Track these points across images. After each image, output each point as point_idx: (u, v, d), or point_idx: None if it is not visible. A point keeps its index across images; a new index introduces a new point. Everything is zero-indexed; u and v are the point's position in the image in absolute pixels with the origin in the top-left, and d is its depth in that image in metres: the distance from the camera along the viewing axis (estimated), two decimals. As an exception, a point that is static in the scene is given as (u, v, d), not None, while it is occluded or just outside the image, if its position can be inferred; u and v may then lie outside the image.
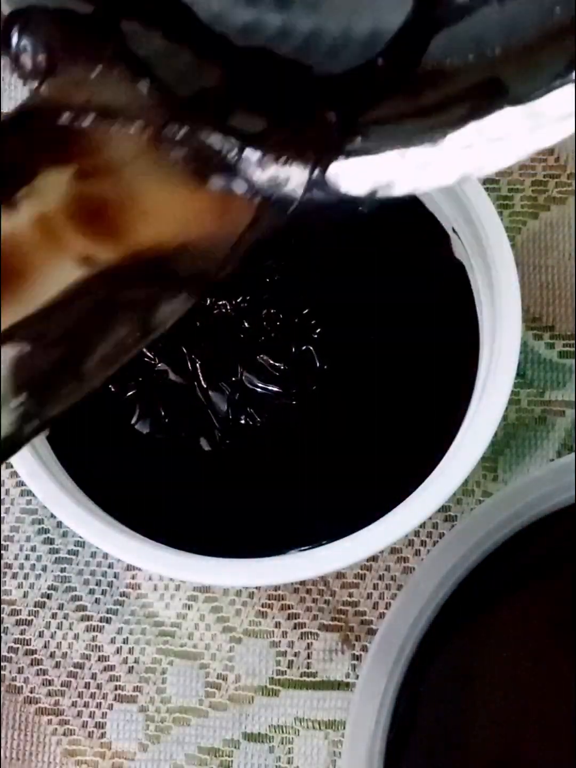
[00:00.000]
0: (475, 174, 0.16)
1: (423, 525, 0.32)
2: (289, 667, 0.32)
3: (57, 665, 0.33)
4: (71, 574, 0.33)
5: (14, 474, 0.33)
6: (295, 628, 0.32)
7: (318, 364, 0.29)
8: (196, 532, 0.28)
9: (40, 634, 0.33)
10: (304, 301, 0.29)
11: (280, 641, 0.32)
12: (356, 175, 0.17)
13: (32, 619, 0.33)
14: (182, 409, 0.29)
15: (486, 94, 0.16)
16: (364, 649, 0.32)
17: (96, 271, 0.17)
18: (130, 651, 0.33)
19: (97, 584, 0.33)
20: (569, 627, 0.28)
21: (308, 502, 0.29)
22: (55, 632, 0.33)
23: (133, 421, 0.29)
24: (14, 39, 0.17)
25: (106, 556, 0.33)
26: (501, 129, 0.16)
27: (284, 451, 0.29)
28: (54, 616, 0.33)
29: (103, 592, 0.33)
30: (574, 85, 0.15)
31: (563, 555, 0.29)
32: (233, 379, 0.29)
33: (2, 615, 0.33)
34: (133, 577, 0.33)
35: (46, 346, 0.16)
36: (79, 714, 0.32)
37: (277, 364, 0.29)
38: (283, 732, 0.32)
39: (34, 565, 0.33)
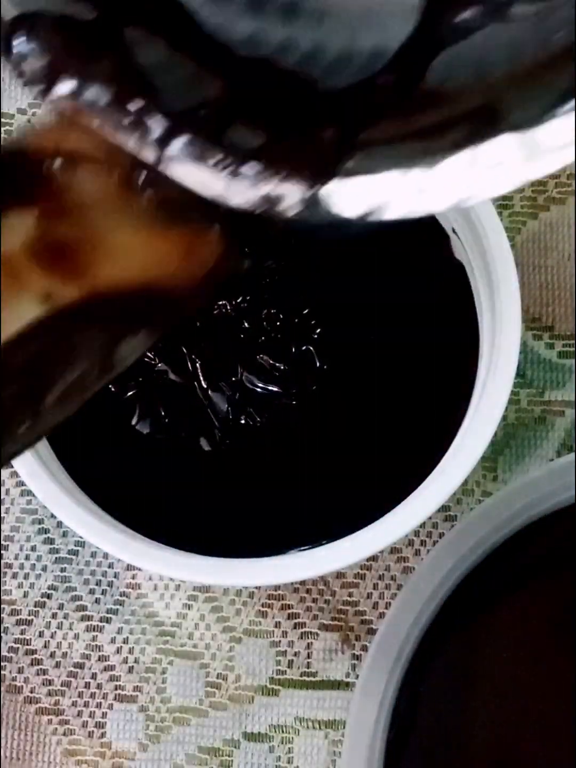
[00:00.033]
0: (468, 201, 0.16)
1: (423, 525, 0.32)
2: (289, 667, 0.32)
3: (57, 665, 0.33)
4: (71, 574, 0.33)
5: (14, 474, 0.33)
6: (295, 627, 0.32)
7: (318, 364, 0.29)
8: (196, 532, 0.28)
9: (40, 634, 0.33)
10: (304, 301, 0.29)
11: (280, 641, 0.32)
12: (349, 197, 0.16)
13: (32, 619, 0.33)
14: (182, 409, 0.29)
15: (484, 119, 0.16)
16: (364, 649, 0.32)
17: (56, 308, 0.17)
18: (130, 651, 0.33)
19: (97, 584, 0.33)
20: (569, 627, 0.28)
21: (308, 502, 0.29)
22: (55, 632, 0.33)
23: (133, 421, 0.29)
24: (15, 44, 0.17)
25: (106, 556, 0.33)
26: (496, 156, 0.15)
27: (284, 451, 0.29)
28: (54, 616, 0.33)
29: (103, 592, 0.33)
30: (574, 113, 0.15)
31: (563, 555, 0.29)
32: (233, 379, 0.29)
33: (2, 615, 0.33)
34: (133, 577, 0.33)
35: (3, 381, 0.17)
36: (79, 714, 0.32)
37: (277, 364, 0.29)
38: (283, 732, 0.32)
39: (34, 565, 0.33)
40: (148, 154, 0.17)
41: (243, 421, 0.29)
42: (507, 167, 0.16)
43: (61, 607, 0.33)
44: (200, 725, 0.32)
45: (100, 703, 0.32)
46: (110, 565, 0.33)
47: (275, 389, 0.29)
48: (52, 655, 0.33)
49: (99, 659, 0.33)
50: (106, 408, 0.29)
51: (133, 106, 0.17)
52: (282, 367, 0.29)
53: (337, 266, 0.30)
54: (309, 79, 0.18)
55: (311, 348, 0.29)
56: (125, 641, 0.33)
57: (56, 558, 0.33)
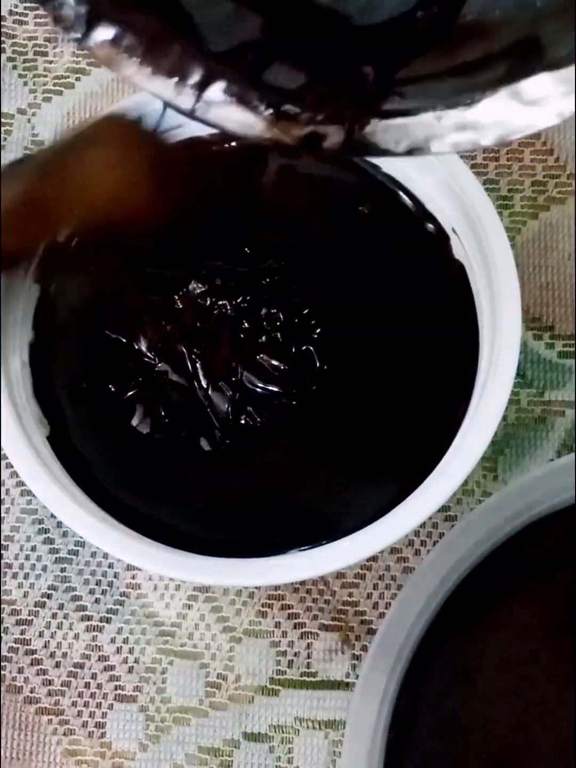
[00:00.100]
0: (510, 136, 0.16)
1: (423, 525, 0.32)
2: (289, 667, 0.32)
3: (57, 665, 0.33)
4: (71, 574, 0.33)
5: (14, 474, 0.33)
6: (295, 627, 0.32)
7: (318, 364, 0.29)
8: (196, 532, 0.28)
9: (40, 634, 0.33)
10: (304, 301, 0.29)
11: (280, 641, 0.32)
12: (392, 135, 0.17)
13: (32, 619, 0.33)
14: (182, 409, 0.29)
15: (525, 53, 0.16)
16: (364, 649, 0.32)
17: None
18: (130, 651, 0.33)
19: (97, 584, 0.33)
20: (569, 627, 0.28)
21: (308, 502, 0.29)
22: (55, 632, 0.33)
23: (133, 421, 0.29)
24: None
25: (106, 556, 0.33)
26: (536, 92, 0.16)
27: (284, 451, 0.29)
28: (54, 616, 0.33)
29: (103, 592, 0.33)
30: None
31: (563, 555, 0.29)
32: (233, 379, 0.29)
33: (2, 615, 0.33)
34: (133, 577, 0.33)
35: None
36: (79, 714, 0.32)
37: (277, 364, 0.29)
38: (283, 732, 0.32)
39: (34, 565, 0.33)
40: (186, 100, 0.17)
41: (243, 421, 0.29)
42: (546, 102, 0.16)
43: (61, 607, 0.33)
44: (200, 725, 0.32)
45: (100, 703, 0.32)
46: (110, 565, 0.33)
47: (275, 389, 0.29)
48: (52, 655, 0.33)
49: (99, 659, 0.33)
50: (106, 408, 0.29)
51: (173, 50, 0.17)
52: (282, 367, 0.29)
53: (338, 266, 0.30)
54: (347, 15, 0.18)
55: (311, 348, 0.29)
56: (125, 641, 0.33)
57: (56, 558, 0.33)
